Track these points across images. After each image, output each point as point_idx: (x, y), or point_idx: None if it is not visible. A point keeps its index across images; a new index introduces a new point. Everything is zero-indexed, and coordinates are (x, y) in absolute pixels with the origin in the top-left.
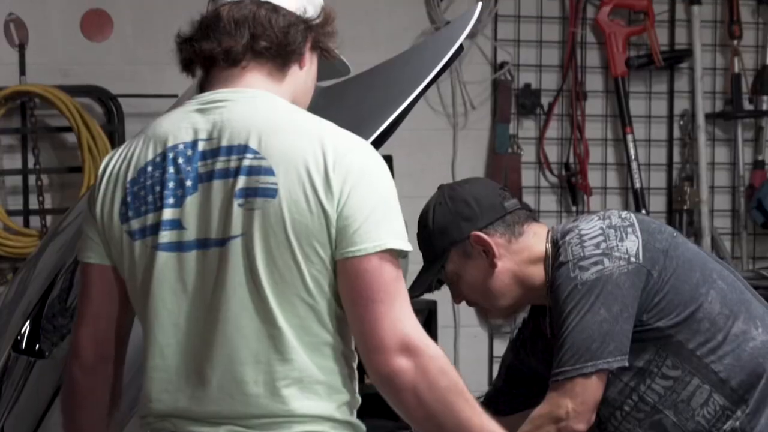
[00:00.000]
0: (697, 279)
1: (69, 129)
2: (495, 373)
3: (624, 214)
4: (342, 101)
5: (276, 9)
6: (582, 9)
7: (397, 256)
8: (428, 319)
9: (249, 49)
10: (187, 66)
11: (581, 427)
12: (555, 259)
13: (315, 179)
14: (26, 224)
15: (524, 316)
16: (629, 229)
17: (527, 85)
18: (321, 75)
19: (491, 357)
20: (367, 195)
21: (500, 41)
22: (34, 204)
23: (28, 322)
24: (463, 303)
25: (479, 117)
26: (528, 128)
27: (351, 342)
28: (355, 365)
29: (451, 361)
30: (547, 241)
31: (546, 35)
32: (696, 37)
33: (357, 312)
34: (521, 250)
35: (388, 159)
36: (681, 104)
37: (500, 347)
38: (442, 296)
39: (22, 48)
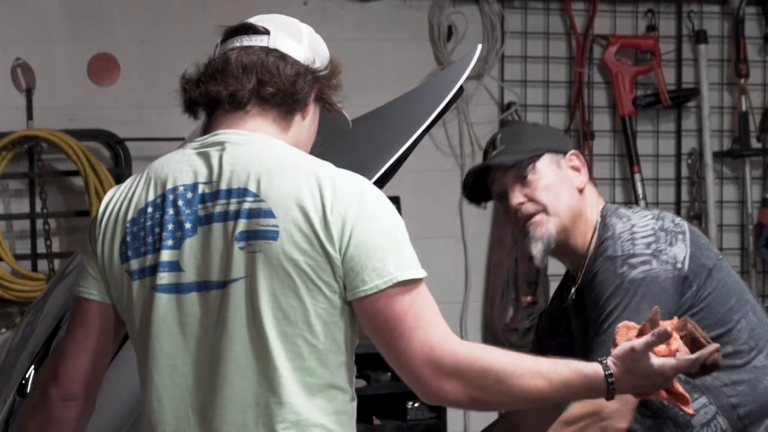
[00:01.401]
0: (731, 305)
1: (76, 173)
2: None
3: (677, 219)
4: (344, 143)
5: (284, 57)
6: (589, 49)
7: (411, 284)
8: None
9: (255, 94)
10: (189, 107)
11: (623, 425)
12: (600, 238)
13: (314, 221)
14: (34, 268)
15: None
16: (680, 236)
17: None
18: (320, 127)
19: None
20: (369, 232)
21: (507, 82)
22: (41, 248)
23: (32, 366)
24: None
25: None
26: None
27: (351, 382)
28: (354, 405)
29: None
30: (599, 213)
31: (553, 75)
32: (703, 75)
33: (384, 348)
34: (591, 193)
35: (396, 200)
36: (689, 143)
37: None
38: None
39: (29, 92)
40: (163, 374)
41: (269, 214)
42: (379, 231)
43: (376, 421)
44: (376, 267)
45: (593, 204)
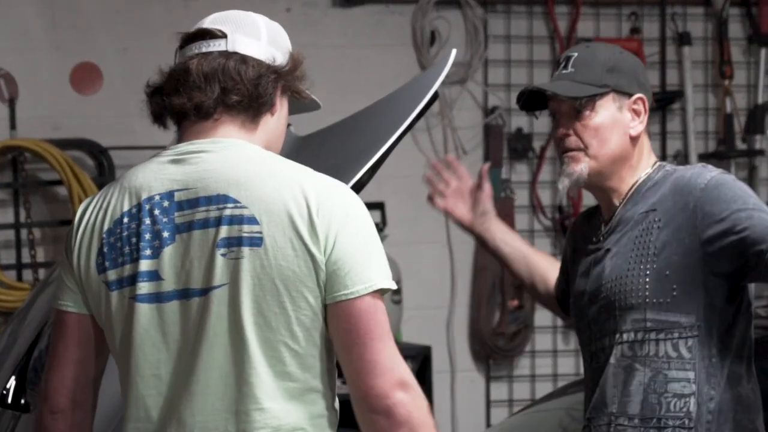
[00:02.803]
0: None
1: (60, 182)
2: (492, 418)
3: None
4: (320, 149)
5: (245, 60)
6: None
7: (384, 293)
8: (423, 364)
9: (220, 102)
10: (157, 118)
11: None
12: (656, 180)
13: (299, 225)
14: (19, 278)
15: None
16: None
17: (519, 130)
18: (291, 111)
19: (488, 401)
20: (353, 237)
21: (491, 86)
22: (26, 258)
23: (13, 376)
24: None
25: (471, 162)
26: (520, 172)
27: (333, 386)
28: (335, 408)
29: (448, 405)
30: (651, 165)
31: (537, 79)
32: (687, 77)
33: (355, 351)
34: (644, 142)
35: (380, 206)
36: (674, 145)
37: (497, 391)
38: (436, 341)
39: (12, 102)
40: (148, 383)
41: (252, 220)
42: (362, 237)
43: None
44: (358, 272)
45: (644, 154)
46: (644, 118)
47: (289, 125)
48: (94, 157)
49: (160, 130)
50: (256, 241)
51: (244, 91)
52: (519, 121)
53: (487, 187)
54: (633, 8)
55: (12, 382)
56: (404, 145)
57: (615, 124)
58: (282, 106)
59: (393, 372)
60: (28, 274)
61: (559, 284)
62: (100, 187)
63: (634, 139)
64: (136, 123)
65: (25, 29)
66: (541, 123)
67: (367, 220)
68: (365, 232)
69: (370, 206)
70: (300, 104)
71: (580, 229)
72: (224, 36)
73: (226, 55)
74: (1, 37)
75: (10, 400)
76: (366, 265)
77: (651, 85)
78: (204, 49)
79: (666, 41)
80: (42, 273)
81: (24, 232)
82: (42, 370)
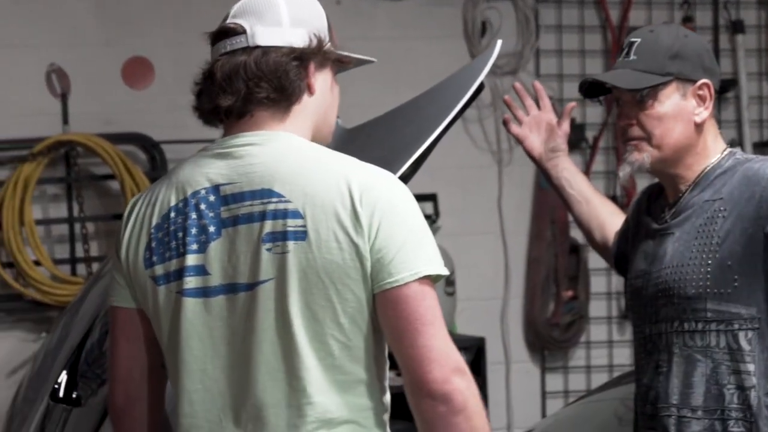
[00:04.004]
0: None
1: (112, 177)
2: (547, 409)
3: None
4: (367, 141)
5: (266, 52)
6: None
7: (434, 281)
8: (477, 356)
9: (249, 101)
10: (205, 121)
11: None
12: (726, 167)
13: (342, 216)
14: (73, 272)
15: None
16: None
17: (572, 120)
18: (347, 67)
19: (543, 392)
20: (397, 225)
21: (543, 76)
22: (80, 252)
23: (64, 371)
24: None
25: (524, 153)
26: (573, 162)
27: (384, 377)
28: (387, 399)
29: (503, 397)
30: (720, 151)
31: (589, 69)
32: (741, 66)
33: (407, 338)
34: (710, 128)
35: (433, 197)
36: (728, 134)
37: (552, 382)
38: (490, 332)
39: (64, 97)
40: (194, 378)
41: (297, 214)
42: (407, 224)
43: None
44: (403, 259)
45: (710, 140)
46: (710, 104)
47: (337, 117)
48: (146, 151)
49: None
50: (300, 235)
51: (268, 87)
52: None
53: (566, 125)
54: None
55: (63, 377)
56: (456, 137)
57: (679, 112)
58: (324, 80)
59: (449, 358)
60: (81, 269)
61: (618, 244)
62: (152, 181)
63: (699, 126)
64: (187, 117)
65: (76, 24)
66: (594, 113)
67: (412, 207)
68: (411, 220)
69: (423, 197)
70: (356, 60)
71: (645, 205)
72: (244, 31)
73: (248, 50)
74: (53, 33)
75: (61, 394)
76: (412, 252)
77: (718, 68)
78: (228, 48)
79: (719, 29)
80: (95, 267)
81: (77, 227)
82: (93, 363)
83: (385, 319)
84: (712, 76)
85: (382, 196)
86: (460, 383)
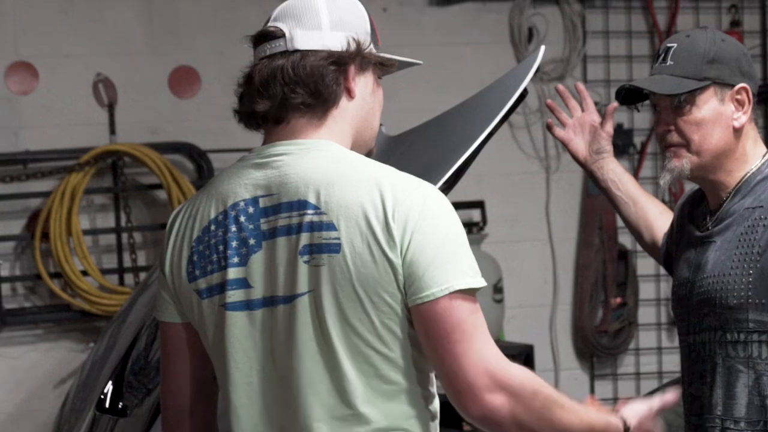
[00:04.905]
0: None
1: (160, 186)
2: None
3: None
4: (411, 148)
5: (304, 56)
6: None
7: (470, 293)
8: (526, 363)
9: (284, 106)
10: (245, 124)
11: None
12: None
13: (376, 229)
14: (121, 282)
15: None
16: None
17: (620, 125)
18: (394, 70)
19: None
20: (429, 237)
21: (590, 82)
22: (127, 262)
23: (110, 381)
24: None
25: (571, 159)
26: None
27: (430, 384)
28: (434, 407)
29: None
30: (762, 156)
31: (636, 74)
32: None
33: (437, 356)
34: (750, 132)
35: (480, 204)
36: None
37: (601, 389)
38: (538, 339)
39: (111, 107)
40: (240, 392)
41: (331, 226)
42: (439, 237)
43: (466, 427)
44: (435, 273)
45: (750, 144)
46: (748, 108)
47: (380, 125)
48: (193, 161)
49: (259, 132)
50: (335, 248)
51: (304, 92)
52: (620, 116)
53: (609, 126)
54: (733, 0)
55: (109, 387)
56: (504, 143)
57: (717, 117)
58: (365, 84)
59: (478, 376)
60: (129, 278)
61: (666, 246)
62: (199, 190)
63: (738, 131)
64: (234, 125)
65: (122, 34)
66: (642, 118)
67: (446, 218)
68: (443, 231)
69: (470, 205)
70: (401, 63)
71: (687, 211)
72: (283, 35)
73: (287, 54)
74: (100, 43)
75: (107, 404)
76: (443, 266)
77: (756, 71)
78: (268, 52)
79: (767, 33)
80: (143, 277)
81: (125, 237)
82: (139, 374)
83: (420, 333)
84: (750, 80)
85: (414, 209)
86: (494, 401)
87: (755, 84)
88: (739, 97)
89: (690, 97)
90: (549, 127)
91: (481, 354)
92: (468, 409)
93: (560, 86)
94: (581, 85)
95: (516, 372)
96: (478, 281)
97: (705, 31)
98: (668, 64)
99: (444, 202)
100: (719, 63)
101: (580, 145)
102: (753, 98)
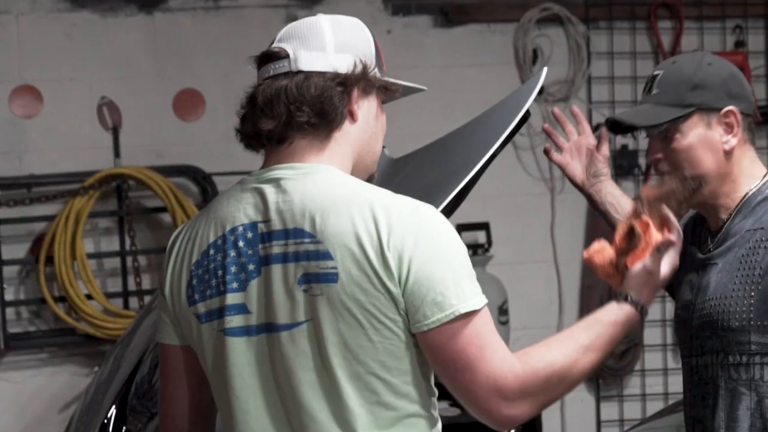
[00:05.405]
0: None
1: (164, 209)
2: None
3: None
4: (414, 170)
5: (308, 77)
6: None
7: (473, 314)
8: None
9: (289, 126)
10: (246, 145)
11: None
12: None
13: (372, 258)
14: (126, 306)
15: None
16: None
17: (624, 146)
18: (397, 96)
19: (599, 421)
20: (427, 264)
21: (595, 103)
22: (132, 285)
23: (113, 406)
24: None
25: None
26: (626, 189)
27: (432, 407)
28: (439, 427)
29: (558, 426)
30: (761, 178)
31: (641, 95)
32: None
33: (448, 380)
34: (745, 153)
35: (485, 226)
36: None
37: (607, 411)
38: None
39: (115, 131)
40: (237, 418)
41: (327, 256)
42: (438, 262)
43: None
44: (436, 300)
45: (747, 165)
46: (738, 130)
47: (383, 147)
48: (198, 184)
49: (262, 155)
50: (332, 278)
51: (309, 111)
52: (624, 137)
53: (604, 149)
54: (737, 21)
55: (113, 411)
56: (508, 165)
57: (705, 143)
58: (368, 108)
59: (492, 395)
60: (134, 302)
61: None
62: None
63: (729, 154)
64: (238, 148)
65: (127, 57)
66: (647, 139)
67: (443, 240)
68: (441, 255)
69: (476, 226)
70: (405, 88)
71: (689, 231)
72: (287, 56)
73: (291, 75)
74: (104, 66)
75: (111, 429)
76: (443, 292)
77: (748, 91)
78: (272, 72)
79: None
80: (147, 300)
81: (129, 260)
82: (142, 397)
83: (427, 357)
84: (739, 102)
85: (409, 236)
86: (514, 412)
87: (748, 104)
88: (727, 120)
89: (674, 126)
90: (546, 152)
91: (487, 377)
92: (493, 425)
93: (556, 110)
94: (577, 109)
95: (524, 373)
96: (480, 301)
97: (692, 56)
98: (654, 93)
99: (440, 223)
100: (703, 88)
101: (577, 168)
102: (747, 118)
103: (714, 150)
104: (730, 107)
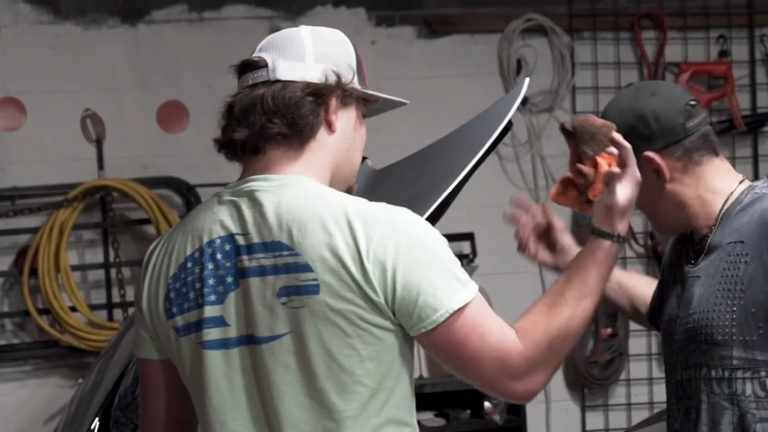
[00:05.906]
0: None
1: (148, 221)
2: None
3: None
4: (396, 181)
5: (285, 86)
6: (661, 77)
7: (466, 306)
8: None
9: (261, 136)
10: (226, 155)
11: None
12: (746, 206)
13: (351, 269)
14: (110, 318)
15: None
16: None
17: None
18: (377, 111)
19: (584, 430)
20: (412, 268)
21: (579, 113)
22: (116, 297)
23: (97, 417)
24: None
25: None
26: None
27: (413, 412)
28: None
29: None
30: (739, 182)
31: None
32: None
33: (458, 372)
34: (697, 179)
35: (470, 236)
36: (766, 168)
37: (593, 420)
38: None
39: (99, 143)
40: (214, 431)
41: (307, 268)
42: (423, 265)
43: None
44: (428, 302)
45: (716, 184)
46: (664, 170)
47: (365, 158)
48: (182, 195)
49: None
50: (313, 290)
51: (281, 121)
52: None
53: (557, 222)
54: (721, 31)
55: (96, 423)
56: (493, 175)
57: (649, 189)
58: (346, 119)
59: (503, 378)
60: (118, 314)
61: (652, 303)
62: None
63: (676, 189)
64: (222, 160)
65: (110, 69)
66: None
67: (425, 242)
68: (423, 257)
69: (460, 237)
70: (387, 102)
71: (676, 247)
72: (266, 65)
73: (269, 84)
74: (88, 78)
75: None
76: (435, 292)
77: (666, 119)
78: (251, 81)
79: (755, 63)
80: (132, 312)
81: (113, 272)
82: (126, 409)
83: (433, 356)
84: (653, 142)
85: (389, 245)
86: (527, 386)
87: (669, 134)
88: (649, 166)
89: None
90: (521, 250)
91: (494, 362)
92: (517, 402)
93: (517, 197)
94: (517, 198)
95: (527, 348)
96: (470, 291)
97: (615, 106)
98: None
99: (418, 225)
100: (637, 132)
101: (545, 255)
102: (678, 146)
103: (659, 194)
104: (646, 153)
